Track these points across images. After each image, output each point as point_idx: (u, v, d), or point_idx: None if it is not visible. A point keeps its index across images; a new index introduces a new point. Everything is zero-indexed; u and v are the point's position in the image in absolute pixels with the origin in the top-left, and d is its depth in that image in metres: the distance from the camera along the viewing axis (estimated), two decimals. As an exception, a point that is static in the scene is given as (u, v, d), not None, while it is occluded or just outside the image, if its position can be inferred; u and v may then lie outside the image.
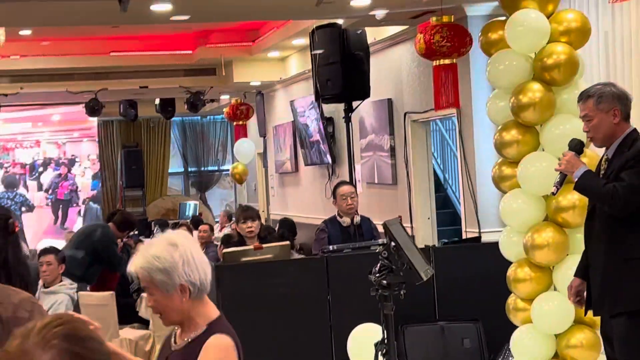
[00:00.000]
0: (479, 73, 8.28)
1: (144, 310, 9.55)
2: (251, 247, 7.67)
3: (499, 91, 6.29)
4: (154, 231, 15.47)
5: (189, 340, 3.22)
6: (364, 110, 10.97)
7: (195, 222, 14.61)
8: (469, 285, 7.24)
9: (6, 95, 14.76)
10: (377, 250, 4.75)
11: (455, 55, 8.23)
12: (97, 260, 9.77)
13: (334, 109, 11.90)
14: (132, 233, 12.03)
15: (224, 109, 17.10)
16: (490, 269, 6.69)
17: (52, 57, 13.57)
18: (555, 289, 6.07)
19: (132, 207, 19.10)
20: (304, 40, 11.27)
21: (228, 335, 3.22)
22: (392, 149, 10.60)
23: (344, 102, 10.00)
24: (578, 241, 5.85)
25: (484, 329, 7.14)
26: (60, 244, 12.18)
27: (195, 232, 12.78)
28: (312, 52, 9.91)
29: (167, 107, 16.68)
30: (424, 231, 9.98)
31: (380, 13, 8.89)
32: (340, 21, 9.71)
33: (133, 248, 10.98)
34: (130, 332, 9.29)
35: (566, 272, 5.91)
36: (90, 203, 20.73)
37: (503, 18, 6.26)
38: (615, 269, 5.00)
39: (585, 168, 5.11)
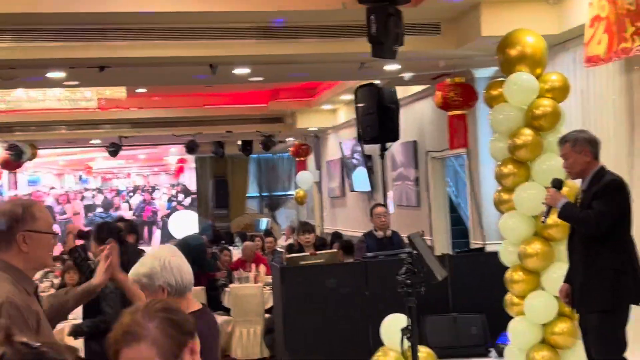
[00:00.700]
0: (483, 121, 8.20)
1: (226, 302, 9.54)
2: (308, 253, 7.62)
3: (498, 135, 6.19)
4: (236, 241, 15.48)
5: None
6: (395, 149, 10.91)
7: (267, 234, 14.59)
8: (475, 284, 7.13)
9: (127, 137, 14.93)
10: (403, 257, 4.65)
11: (465, 107, 8.17)
12: (192, 263, 9.76)
13: (372, 148, 11.85)
14: (220, 242, 12.04)
15: (290, 148, 17.14)
16: (492, 273, 6.55)
17: (161, 109, 13.71)
18: (543, 289, 5.94)
19: (219, 222, 19.17)
20: (350, 96, 11.27)
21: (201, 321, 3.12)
22: (417, 179, 10.51)
23: (379, 143, 9.96)
24: (561, 252, 5.74)
25: (487, 319, 7.02)
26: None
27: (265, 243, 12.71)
28: (356, 105, 9.89)
29: (247, 147, 16.76)
30: (441, 243, 9.87)
31: (407, 75, 8.87)
32: (377, 82, 9.69)
33: (220, 254, 10.98)
34: (216, 318, 9.26)
35: (551, 275, 5.80)
36: (165, 218, 20.84)
37: (502, 79, 6.18)
38: (591, 276, 4.90)
39: (566, 200, 5.04)
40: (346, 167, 13.58)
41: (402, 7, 6.26)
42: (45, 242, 2.87)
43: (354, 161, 12.97)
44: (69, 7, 6.24)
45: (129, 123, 14.22)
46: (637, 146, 6.19)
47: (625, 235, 4.90)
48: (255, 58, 7.31)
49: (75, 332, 5.54)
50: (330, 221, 15.81)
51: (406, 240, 6.25)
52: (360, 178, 12.82)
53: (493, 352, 6.92)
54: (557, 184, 5.18)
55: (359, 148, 12.36)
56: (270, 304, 8.73)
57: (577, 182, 5.42)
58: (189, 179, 20.74)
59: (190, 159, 19.72)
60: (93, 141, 16.04)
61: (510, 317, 6.13)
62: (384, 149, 10.06)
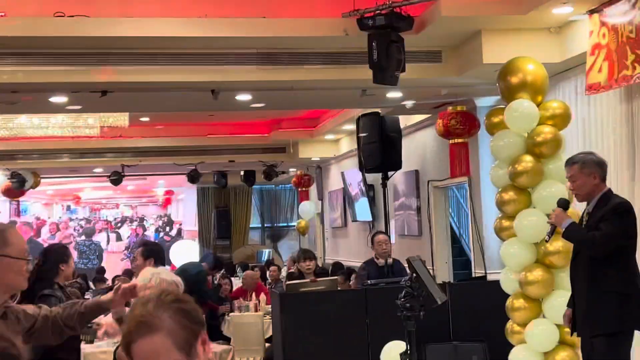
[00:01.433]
0: (484, 148, 8.20)
1: (226, 330, 9.48)
2: (308, 280, 7.58)
3: (499, 162, 6.19)
4: (237, 271, 15.41)
5: None
6: (397, 178, 10.89)
7: (268, 264, 14.52)
8: (476, 313, 7.06)
9: (129, 166, 14.95)
10: (403, 282, 4.63)
11: (466, 135, 8.18)
12: (190, 291, 9.70)
13: (374, 178, 11.83)
14: (221, 272, 11.98)
15: (292, 179, 17.14)
16: (493, 301, 6.50)
17: (164, 138, 13.74)
18: (544, 317, 5.89)
19: (221, 253, 19.11)
20: (352, 127, 11.28)
21: None
22: (418, 209, 10.49)
23: (381, 172, 9.95)
24: (562, 279, 5.71)
25: (489, 348, 6.95)
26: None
27: (267, 272, 12.68)
28: (358, 135, 9.91)
29: (250, 177, 16.74)
30: (443, 272, 9.81)
31: (409, 103, 8.89)
32: (379, 110, 9.72)
33: (222, 283, 10.91)
34: (216, 347, 9.18)
35: (553, 303, 5.75)
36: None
37: (503, 106, 6.19)
38: (595, 300, 4.86)
39: (571, 220, 5.03)
40: (348, 197, 13.56)
41: (404, 34, 6.31)
42: (16, 267, 2.96)
43: (356, 191, 12.95)
44: (71, 31, 6.29)
45: (131, 152, 14.24)
46: (639, 173, 6.18)
47: (631, 258, 4.88)
48: (256, 84, 7.34)
49: None
50: (332, 252, 15.76)
51: (406, 264, 6.22)
52: (362, 208, 12.79)
53: (494, 381, 6.85)
54: (564, 204, 5.18)
55: (360, 178, 12.35)
56: (270, 333, 8.68)
57: (580, 208, 5.41)
58: (176, 210, 20.88)
59: (180, 190, 19.78)
60: (95, 170, 16.06)
61: (512, 346, 6.07)
62: (386, 178, 10.06)
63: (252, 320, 9.17)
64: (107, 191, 18.45)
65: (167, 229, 20.87)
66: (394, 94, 8.29)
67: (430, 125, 9.98)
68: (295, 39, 6.76)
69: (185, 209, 21.11)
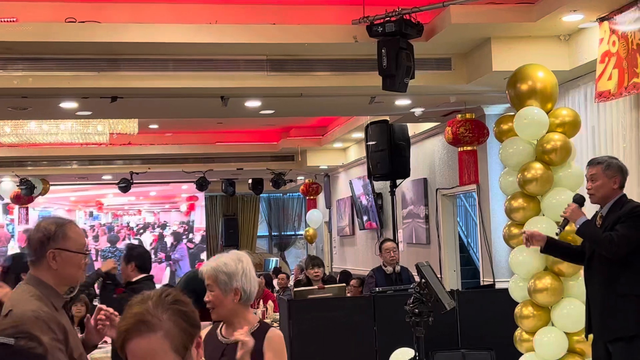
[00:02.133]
0: (493, 156, 8.19)
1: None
2: (316, 287, 7.57)
3: (508, 169, 6.17)
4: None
5: (251, 332, 3.15)
6: (405, 186, 10.88)
7: (276, 272, 14.52)
8: (484, 320, 7.04)
9: (137, 173, 14.98)
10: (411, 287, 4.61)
11: (475, 143, 8.16)
12: (196, 300, 9.69)
13: (382, 186, 11.83)
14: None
15: (300, 187, 17.13)
16: (502, 309, 6.48)
17: (173, 145, 13.77)
18: (553, 325, 5.86)
19: (228, 261, 19.06)
20: (360, 135, 11.29)
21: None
22: (427, 217, 10.47)
23: (390, 180, 9.95)
24: (571, 287, 5.69)
25: (497, 356, 6.92)
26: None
27: (275, 280, 12.67)
28: (367, 143, 9.90)
29: (257, 185, 16.74)
30: (451, 280, 9.78)
31: (418, 111, 8.88)
32: (387, 118, 9.71)
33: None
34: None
35: (562, 311, 5.72)
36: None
37: (512, 114, 6.17)
38: (612, 304, 4.84)
39: (586, 218, 5.03)
40: (356, 205, 13.55)
41: (413, 41, 6.32)
42: (75, 261, 3.04)
43: (364, 199, 12.94)
44: (81, 37, 6.32)
45: (140, 159, 14.27)
46: (649, 181, 6.16)
47: None
48: (266, 90, 7.34)
49: None
50: (340, 260, 15.74)
51: (414, 271, 6.21)
52: (369, 216, 12.78)
53: (503, 390, 6.82)
54: (579, 200, 5.17)
55: (369, 186, 12.34)
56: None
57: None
58: (199, 217, 20.81)
59: (200, 196, 19.76)
60: (104, 177, 16.10)
61: (520, 354, 6.03)
62: (394, 186, 10.05)
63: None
64: (130, 197, 18.48)
65: (190, 235, 20.87)
66: (402, 102, 8.28)
67: (438, 133, 9.98)
68: (304, 45, 6.76)
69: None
